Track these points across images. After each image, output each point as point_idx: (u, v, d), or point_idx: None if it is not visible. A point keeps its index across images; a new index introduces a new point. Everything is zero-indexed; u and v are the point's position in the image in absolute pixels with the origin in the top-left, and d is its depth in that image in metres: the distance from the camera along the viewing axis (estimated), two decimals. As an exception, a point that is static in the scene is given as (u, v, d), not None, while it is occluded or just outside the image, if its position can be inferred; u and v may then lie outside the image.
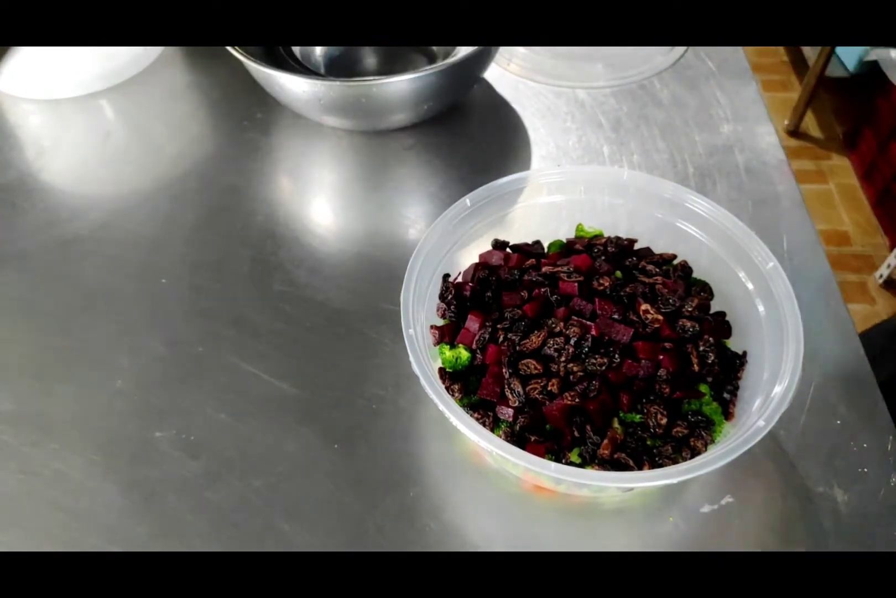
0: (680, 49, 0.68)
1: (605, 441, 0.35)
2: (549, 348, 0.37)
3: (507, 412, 0.37)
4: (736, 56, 0.67)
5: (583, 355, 0.37)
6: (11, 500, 0.41)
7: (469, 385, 0.38)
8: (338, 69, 0.65)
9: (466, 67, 0.56)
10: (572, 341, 0.37)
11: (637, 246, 0.44)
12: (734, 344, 0.41)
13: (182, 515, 0.40)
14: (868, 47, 1.51)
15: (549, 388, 0.36)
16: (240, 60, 0.53)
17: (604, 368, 0.37)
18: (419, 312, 0.39)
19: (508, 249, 0.45)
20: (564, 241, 0.45)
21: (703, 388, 0.38)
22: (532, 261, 0.43)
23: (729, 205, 0.53)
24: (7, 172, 0.58)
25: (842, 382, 0.45)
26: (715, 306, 0.42)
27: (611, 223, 0.45)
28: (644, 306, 0.38)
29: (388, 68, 0.64)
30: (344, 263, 0.52)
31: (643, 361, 0.37)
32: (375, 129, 0.60)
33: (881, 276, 1.43)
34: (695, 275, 0.43)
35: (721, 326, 0.41)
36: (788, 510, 0.40)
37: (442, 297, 0.42)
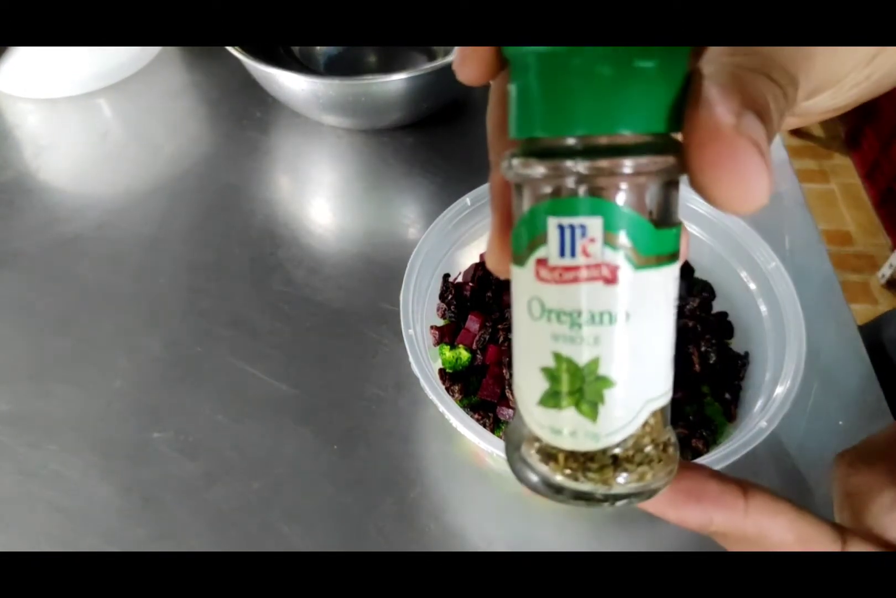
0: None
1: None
2: (550, 348, 0.37)
3: (507, 413, 0.37)
4: (737, 54, 0.67)
5: (583, 356, 0.37)
6: (9, 501, 0.40)
7: (469, 386, 0.38)
8: (337, 67, 0.64)
9: (466, 66, 0.56)
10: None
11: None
12: (736, 344, 0.41)
13: (180, 516, 0.40)
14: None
15: (549, 388, 0.36)
16: (238, 59, 0.53)
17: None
18: (419, 312, 0.38)
19: (509, 249, 0.44)
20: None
21: (705, 388, 0.38)
22: (532, 261, 0.42)
23: (730, 204, 0.53)
24: (5, 172, 0.58)
25: (844, 382, 0.44)
26: (717, 307, 0.42)
27: (612, 223, 0.45)
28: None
29: (387, 67, 0.64)
30: (344, 263, 0.52)
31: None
32: (375, 127, 0.60)
33: (883, 276, 1.42)
34: (696, 275, 0.43)
35: (723, 326, 0.41)
36: (791, 512, 0.39)
37: (442, 297, 0.41)
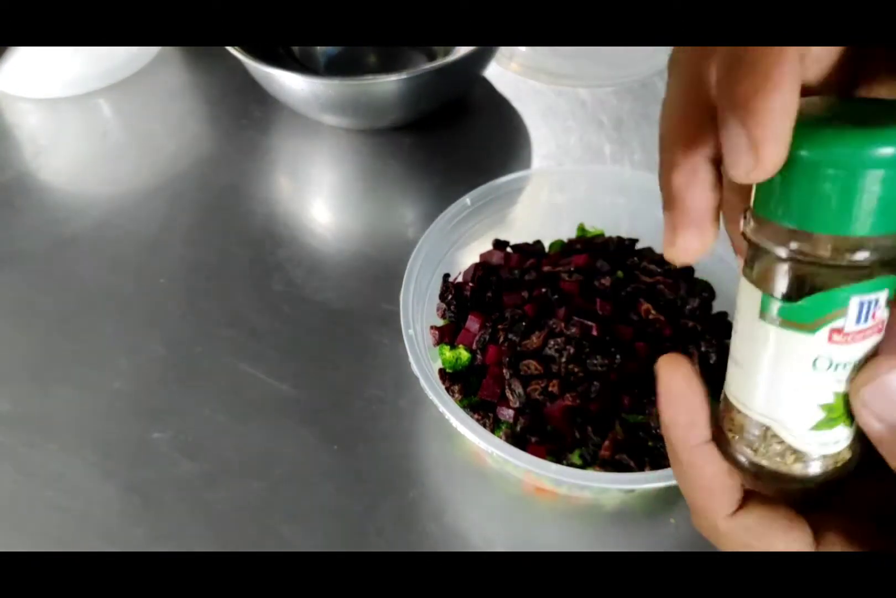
0: (681, 47, 0.67)
1: (607, 442, 0.35)
2: (550, 348, 0.37)
3: (507, 413, 0.37)
4: (737, 54, 0.67)
5: (583, 356, 0.37)
6: (9, 501, 0.40)
7: (469, 386, 0.38)
8: (337, 67, 0.64)
9: (466, 66, 0.56)
10: (573, 342, 0.37)
11: (639, 246, 0.44)
12: (736, 344, 0.41)
13: (180, 517, 0.40)
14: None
15: (549, 389, 0.36)
16: (238, 59, 0.53)
17: (605, 368, 0.36)
18: (419, 312, 0.38)
19: (509, 249, 0.44)
20: (565, 240, 0.45)
21: (705, 389, 0.38)
22: (532, 261, 0.42)
23: (730, 204, 0.53)
24: (5, 172, 0.58)
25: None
26: (717, 307, 0.42)
27: (612, 223, 0.45)
28: (645, 306, 0.38)
29: (387, 66, 0.64)
30: (343, 262, 0.52)
31: (644, 361, 0.37)
32: (374, 127, 0.60)
33: (883, 275, 1.42)
34: (696, 275, 0.43)
35: (723, 326, 0.41)
36: (791, 512, 0.39)
37: (442, 297, 0.41)
